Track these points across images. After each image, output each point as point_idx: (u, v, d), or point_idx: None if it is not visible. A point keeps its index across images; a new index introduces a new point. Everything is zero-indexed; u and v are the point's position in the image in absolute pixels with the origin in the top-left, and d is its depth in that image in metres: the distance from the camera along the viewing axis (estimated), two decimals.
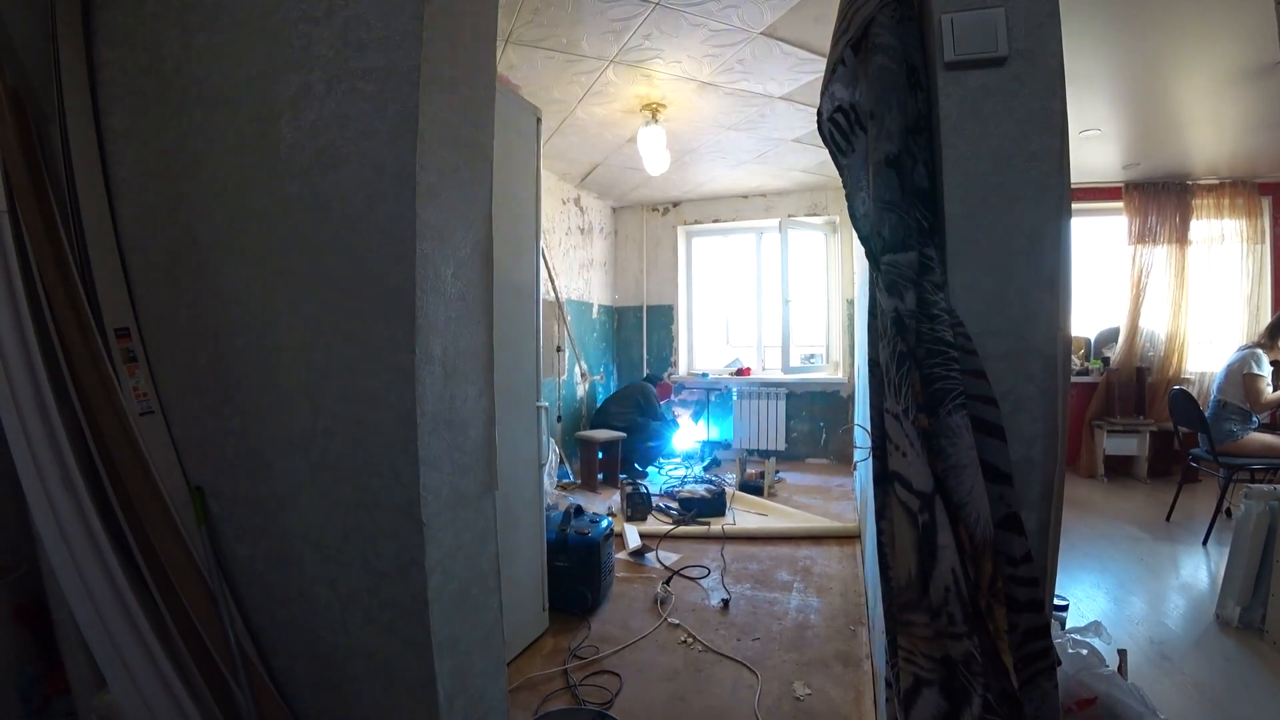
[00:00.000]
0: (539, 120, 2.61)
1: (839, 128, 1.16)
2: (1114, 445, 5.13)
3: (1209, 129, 4.23)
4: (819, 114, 1.20)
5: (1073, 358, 5.48)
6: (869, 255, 1.06)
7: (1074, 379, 5.48)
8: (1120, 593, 3.04)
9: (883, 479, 1.06)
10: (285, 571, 1.59)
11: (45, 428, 1.63)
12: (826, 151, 4.27)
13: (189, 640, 1.65)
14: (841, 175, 1.16)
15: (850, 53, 1.15)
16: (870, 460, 1.10)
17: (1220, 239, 5.28)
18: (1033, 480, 1.05)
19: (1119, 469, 5.23)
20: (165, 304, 1.74)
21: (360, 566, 1.45)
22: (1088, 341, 5.66)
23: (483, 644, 1.56)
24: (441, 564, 1.40)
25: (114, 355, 1.72)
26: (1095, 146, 4.51)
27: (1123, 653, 1.90)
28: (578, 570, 2.83)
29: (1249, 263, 5.21)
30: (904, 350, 0.97)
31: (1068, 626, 1.92)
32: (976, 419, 0.98)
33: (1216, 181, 5.21)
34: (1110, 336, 5.57)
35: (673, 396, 6.49)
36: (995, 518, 0.97)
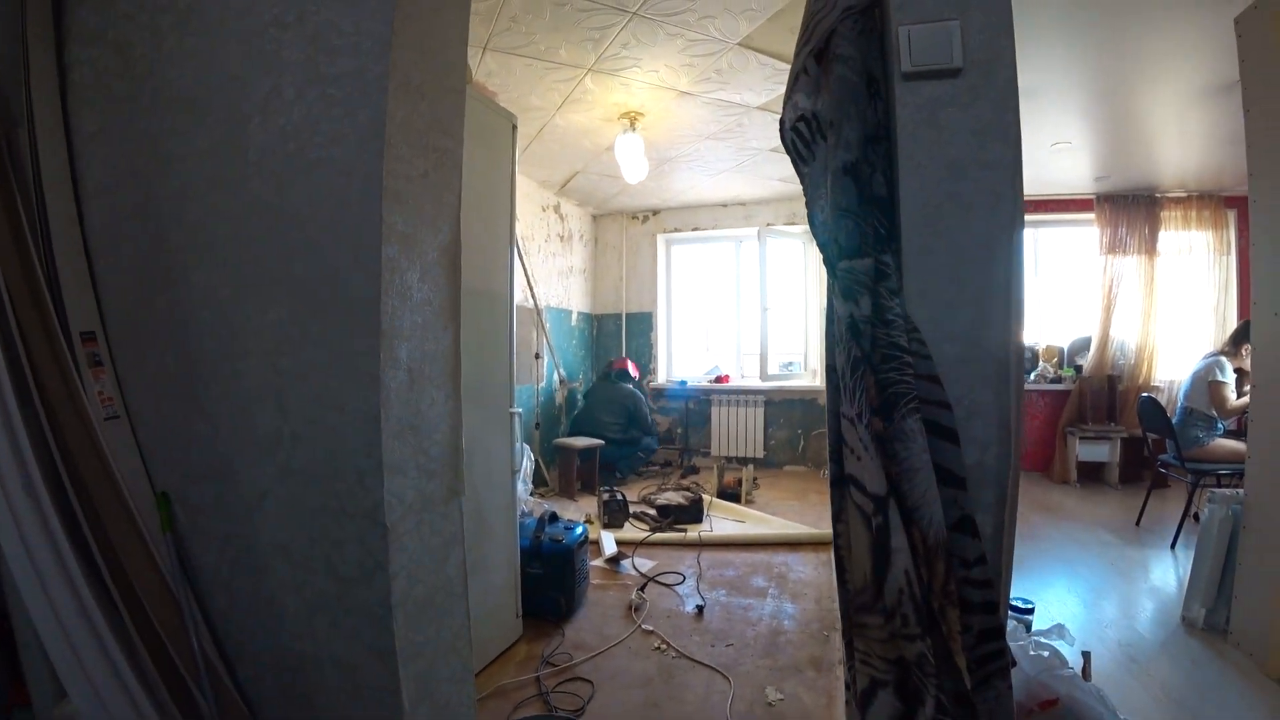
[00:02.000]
0: (515, 127, 2.62)
1: (801, 136, 1.18)
2: (1086, 451, 5.22)
3: (1176, 143, 4.34)
4: (781, 123, 1.22)
5: (1046, 366, 5.56)
6: (826, 262, 1.08)
7: (1048, 387, 5.57)
8: (1091, 596, 3.09)
9: (839, 482, 1.07)
10: (252, 578, 1.57)
11: (7, 432, 1.60)
12: None
13: (152, 649, 1.62)
14: (803, 183, 1.18)
15: (813, 62, 1.17)
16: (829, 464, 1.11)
17: (1188, 250, 5.41)
18: (987, 484, 1.07)
19: (1091, 475, 5.33)
20: (133, 307, 1.71)
21: (326, 572, 1.44)
22: (1061, 350, 5.76)
23: (449, 650, 1.55)
24: (406, 569, 1.40)
25: (79, 359, 1.69)
26: (1067, 159, 4.61)
27: (1087, 655, 1.93)
28: (552, 577, 2.82)
29: (1216, 273, 5.33)
30: (859, 355, 0.99)
31: (1033, 629, 1.94)
32: (930, 423, 1.00)
33: (1184, 194, 5.34)
34: (1082, 345, 5.67)
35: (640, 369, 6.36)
36: (948, 520, 0.99)
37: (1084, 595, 3.10)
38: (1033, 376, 5.59)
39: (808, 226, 5.33)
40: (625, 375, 6.05)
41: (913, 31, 1.06)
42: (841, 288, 1.01)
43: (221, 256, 1.57)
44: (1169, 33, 2.89)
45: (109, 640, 1.58)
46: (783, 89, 3.62)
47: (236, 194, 1.53)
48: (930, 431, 0.99)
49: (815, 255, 6.00)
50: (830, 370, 1.09)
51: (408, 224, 1.41)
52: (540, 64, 3.30)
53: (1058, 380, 5.60)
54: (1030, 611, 2.13)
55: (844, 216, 1.03)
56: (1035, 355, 5.68)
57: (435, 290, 1.49)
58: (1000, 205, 1.04)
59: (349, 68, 1.38)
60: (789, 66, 3.27)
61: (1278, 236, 2.36)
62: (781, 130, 1.22)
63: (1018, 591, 2.98)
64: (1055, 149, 4.39)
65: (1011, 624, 1.91)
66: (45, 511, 1.60)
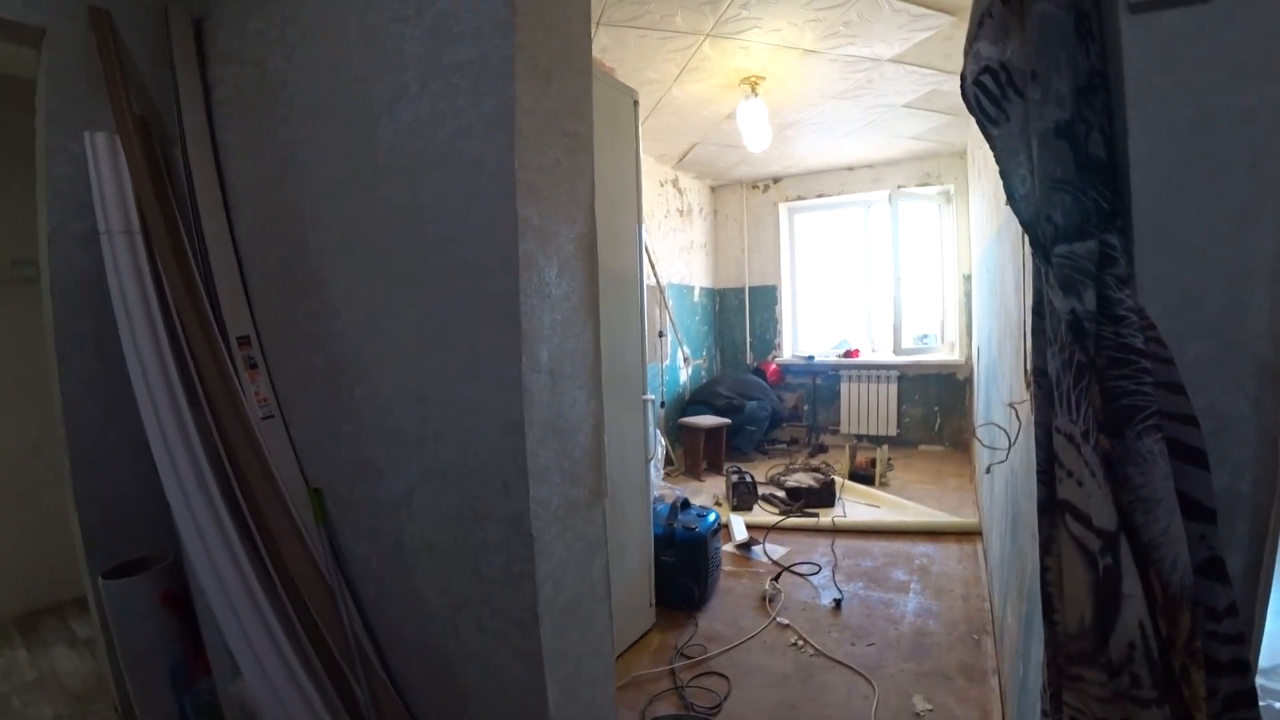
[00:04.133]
0: (636, 103, 2.53)
1: (986, 92, 0.99)
2: None
3: None
4: (962, 78, 1.03)
5: None
6: (1034, 245, 0.89)
7: None
8: None
9: (1049, 508, 0.90)
10: (399, 573, 1.61)
11: (180, 431, 1.73)
12: (939, 116, 3.96)
13: (311, 633, 1.71)
14: (992, 148, 0.99)
15: (1000, 4, 0.97)
16: (1036, 485, 0.94)
17: None
18: (1239, 515, 0.86)
19: None
20: (280, 311, 1.80)
21: (470, 574, 1.44)
22: None
23: (593, 654, 1.52)
24: (552, 576, 1.37)
25: (237, 362, 1.80)
26: None
27: None
28: (684, 565, 2.77)
29: None
30: (1084, 360, 0.81)
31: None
32: (1173, 442, 0.81)
33: None
34: None
35: (783, 379, 6.30)
36: (1194, 561, 0.80)
37: None
38: None
39: (943, 187, 4.86)
40: (760, 372, 6.10)
41: None
42: (1059, 278, 0.83)
43: (358, 258, 1.60)
44: None
45: (273, 622, 1.68)
46: (921, 35, 3.28)
47: (368, 195, 1.54)
48: (1173, 453, 0.80)
49: (952, 219, 5.51)
50: (1040, 375, 0.92)
51: (542, 216, 1.34)
52: (655, 34, 3.17)
53: None
54: None
55: (1059, 189, 0.84)
56: None
57: (573, 284, 1.44)
58: (1264, 162, 0.81)
59: (471, 55, 1.33)
60: (928, 11, 2.97)
61: None
62: (963, 86, 1.03)
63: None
64: None
65: None
66: (215, 503, 1.72)
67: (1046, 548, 0.91)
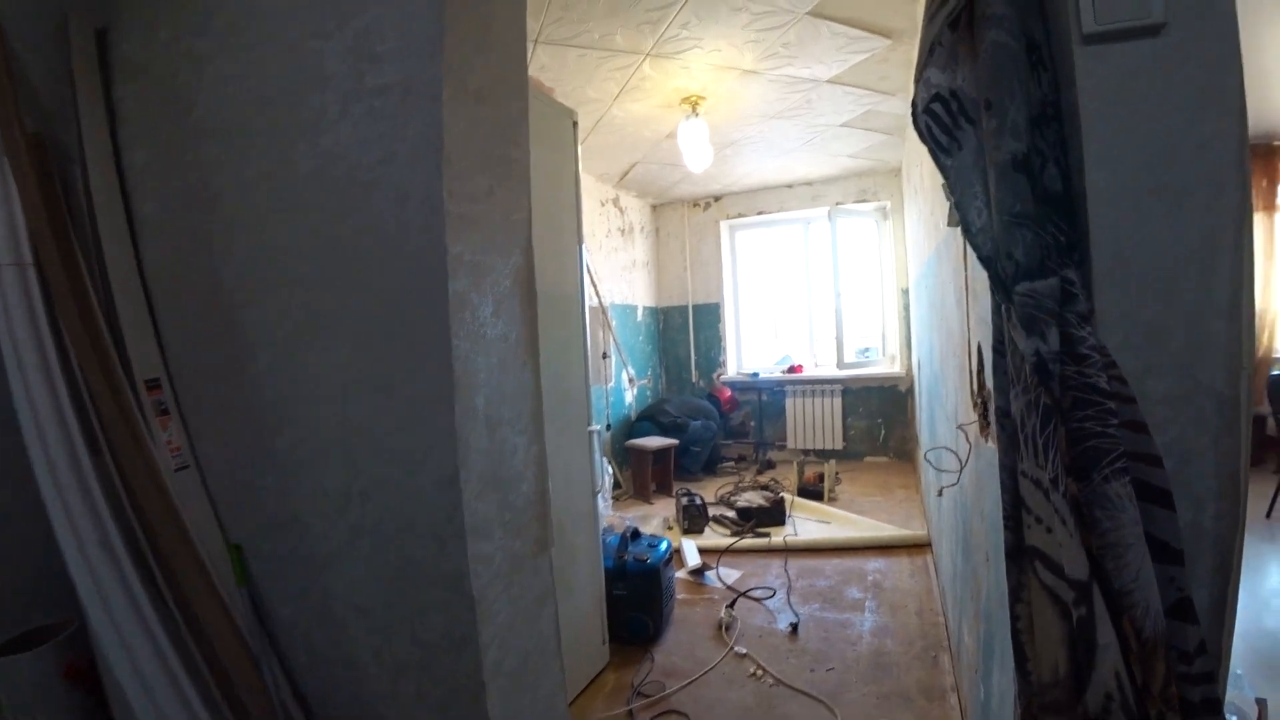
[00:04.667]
0: (575, 124, 2.46)
1: (938, 120, 0.96)
2: None
3: None
4: (913, 105, 1.01)
5: None
6: (995, 281, 0.86)
7: None
8: None
9: (1017, 555, 0.87)
10: (330, 636, 1.48)
11: (79, 485, 1.56)
12: (876, 135, 4.00)
13: (233, 706, 1.56)
14: (945, 178, 0.96)
15: (948, 31, 0.95)
16: (1002, 530, 0.91)
17: None
18: (1203, 551, 0.85)
19: None
20: (195, 352, 1.65)
21: (408, 638, 1.33)
22: None
23: (546, 711, 1.42)
24: (497, 638, 1.26)
25: (145, 408, 1.63)
26: None
27: (1262, 703, 1.64)
28: (638, 598, 2.68)
29: None
30: (1049, 403, 0.78)
31: None
32: (1139, 483, 0.78)
33: None
34: None
35: (736, 405, 6.27)
36: (1165, 605, 0.78)
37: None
38: None
39: (880, 204, 4.95)
40: (714, 399, 6.08)
41: None
42: (1022, 317, 0.79)
43: (278, 295, 1.47)
44: None
45: (192, 696, 1.53)
46: (858, 58, 3.33)
47: (288, 225, 1.43)
48: (1139, 494, 0.78)
49: (890, 234, 5.64)
50: (1003, 416, 0.88)
51: (475, 251, 1.25)
52: (595, 53, 3.12)
53: None
54: None
55: (1019, 224, 0.81)
56: None
57: (510, 323, 1.34)
58: (1222, 195, 0.81)
59: (395, 77, 1.24)
60: (865, 34, 3.00)
61: None
62: (914, 114, 1.00)
63: None
64: None
65: None
66: (121, 564, 1.56)
67: (1016, 595, 0.88)
